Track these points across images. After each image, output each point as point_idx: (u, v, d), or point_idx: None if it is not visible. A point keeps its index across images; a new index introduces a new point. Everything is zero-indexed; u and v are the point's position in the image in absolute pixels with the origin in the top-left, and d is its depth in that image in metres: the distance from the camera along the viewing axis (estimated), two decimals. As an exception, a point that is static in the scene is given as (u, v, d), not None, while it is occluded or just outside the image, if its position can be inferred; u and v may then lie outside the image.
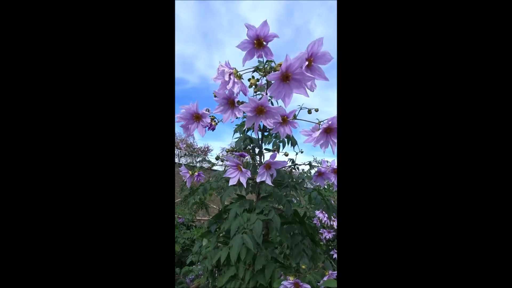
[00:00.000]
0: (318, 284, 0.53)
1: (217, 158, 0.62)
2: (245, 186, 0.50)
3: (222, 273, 0.58)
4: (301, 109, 0.48)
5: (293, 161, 0.68)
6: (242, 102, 0.42)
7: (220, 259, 0.52)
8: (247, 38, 0.40)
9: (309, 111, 0.48)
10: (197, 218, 2.02)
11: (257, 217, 0.50)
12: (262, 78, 0.45)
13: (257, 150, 0.62)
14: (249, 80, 0.43)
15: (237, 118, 0.43)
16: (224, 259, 0.52)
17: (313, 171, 0.62)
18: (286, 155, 0.64)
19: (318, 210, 1.02)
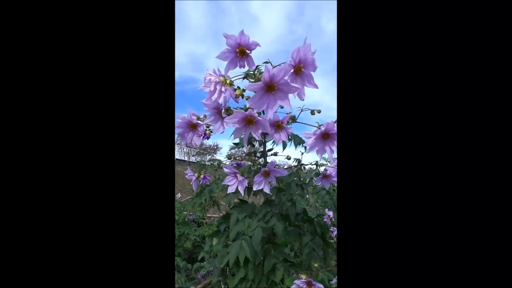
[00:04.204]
0: (331, 282, 0.53)
1: (219, 163, 0.62)
2: (242, 194, 0.49)
3: (233, 272, 0.58)
4: (302, 111, 0.46)
5: (299, 160, 0.66)
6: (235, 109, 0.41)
7: (229, 261, 0.52)
8: (227, 47, 0.39)
9: (312, 112, 0.46)
10: (208, 215, 2.04)
11: (257, 224, 0.49)
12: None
13: (260, 150, 0.61)
14: (235, 90, 0.41)
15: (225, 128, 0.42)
16: (233, 261, 0.52)
17: (321, 169, 0.61)
18: (288, 158, 0.61)
19: (328, 209, 1.00)
